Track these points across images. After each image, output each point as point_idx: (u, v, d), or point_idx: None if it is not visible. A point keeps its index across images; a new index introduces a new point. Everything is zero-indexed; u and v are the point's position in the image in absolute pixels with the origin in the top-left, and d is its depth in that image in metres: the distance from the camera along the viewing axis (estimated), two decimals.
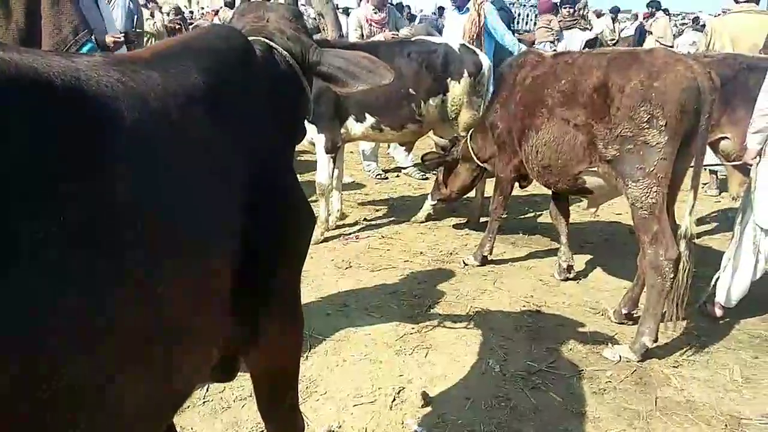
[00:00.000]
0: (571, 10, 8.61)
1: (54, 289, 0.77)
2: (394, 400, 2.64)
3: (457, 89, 4.66)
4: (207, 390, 2.61)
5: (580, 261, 4.20)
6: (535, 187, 6.03)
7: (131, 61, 1.11)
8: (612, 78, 3.00)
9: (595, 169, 3.19)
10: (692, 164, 3.00)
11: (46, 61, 0.87)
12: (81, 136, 0.86)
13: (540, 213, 5.33)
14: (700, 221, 5.03)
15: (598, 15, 13.01)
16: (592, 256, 4.35)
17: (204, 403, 2.56)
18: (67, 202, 0.80)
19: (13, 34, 2.35)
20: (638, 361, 2.94)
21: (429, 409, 2.59)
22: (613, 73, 3.01)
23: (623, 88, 2.94)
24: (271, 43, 1.57)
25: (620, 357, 2.97)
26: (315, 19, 6.10)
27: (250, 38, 1.52)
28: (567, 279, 3.92)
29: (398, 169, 6.84)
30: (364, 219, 5.12)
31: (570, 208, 4.12)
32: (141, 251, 0.92)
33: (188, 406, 2.48)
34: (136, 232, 0.91)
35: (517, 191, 5.97)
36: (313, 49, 1.68)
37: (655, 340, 2.95)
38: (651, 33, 10.92)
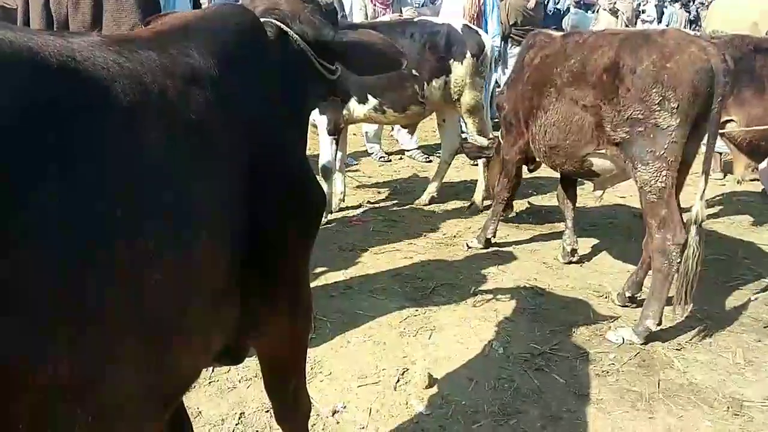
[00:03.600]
0: None
1: (47, 277, 0.77)
2: (398, 381, 2.66)
3: (460, 70, 4.62)
4: (213, 371, 2.62)
5: (584, 244, 4.20)
6: (540, 170, 6.03)
7: (130, 41, 1.09)
8: (623, 58, 2.95)
9: (603, 151, 3.17)
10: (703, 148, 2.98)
11: (41, 40, 0.86)
12: (74, 116, 0.85)
13: (543, 196, 5.32)
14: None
15: None
16: (596, 239, 4.35)
17: (210, 383, 2.58)
18: (59, 185, 0.79)
19: (78, 24, 2.38)
20: (641, 344, 2.95)
21: (433, 390, 2.61)
22: (624, 54, 2.96)
23: (634, 69, 2.89)
24: (283, 26, 1.53)
25: (623, 339, 2.98)
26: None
27: (261, 19, 1.49)
28: (571, 262, 3.92)
29: (402, 152, 6.81)
30: (368, 202, 5.12)
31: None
32: (136, 236, 0.91)
33: (194, 387, 2.49)
34: (130, 215, 0.91)
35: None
36: (328, 31, 1.62)
37: (659, 324, 2.95)
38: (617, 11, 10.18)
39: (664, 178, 2.88)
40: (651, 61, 2.85)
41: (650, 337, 2.98)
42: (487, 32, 5.85)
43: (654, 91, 2.82)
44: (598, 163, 3.29)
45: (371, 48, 1.66)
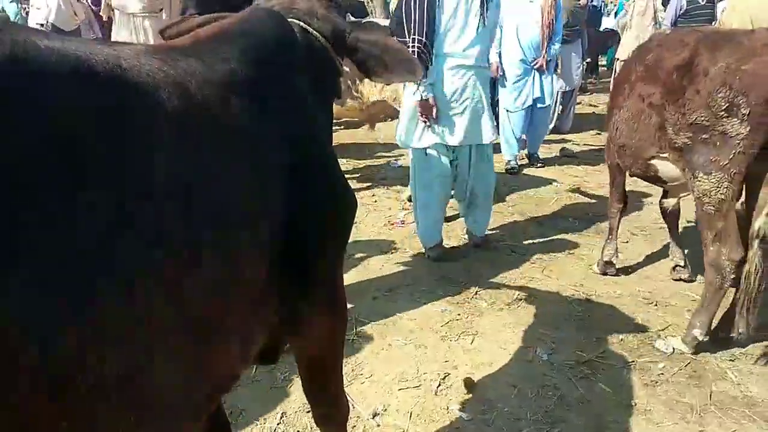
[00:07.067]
0: None
1: (92, 277, 0.79)
2: (440, 385, 2.64)
3: None
4: (255, 370, 2.66)
5: (633, 249, 4.09)
6: (587, 173, 5.91)
7: (172, 50, 1.12)
8: (698, 57, 2.72)
9: (666, 155, 2.97)
10: None
11: (89, 49, 0.89)
12: (121, 124, 0.87)
13: (590, 199, 5.20)
14: None
15: None
16: (646, 245, 4.22)
17: (252, 382, 2.62)
18: (107, 190, 0.81)
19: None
20: (692, 354, 2.85)
21: (475, 395, 2.58)
22: (701, 53, 2.73)
23: (707, 70, 2.66)
24: (304, 25, 1.53)
25: (673, 349, 2.88)
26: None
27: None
28: (605, 273, 3.75)
29: None
30: (410, 203, 5.10)
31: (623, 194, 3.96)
32: (180, 238, 0.93)
33: (237, 386, 2.54)
34: (175, 218, 0.93)
35: (568, 179, 5.88)
36: (348, 32, 1.62)
37: (707, 335, 2.83)
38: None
39: (725, 189, 2.68)
40: (726, 62, 2.61)
41: (702, 348, 2.88)
42: (555, 37, 5.78)
43: (720, 96, 2.59)
44: (662, 168, 3.08)
45: (388, 54, 1.64)
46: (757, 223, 2.66)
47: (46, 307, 0.73)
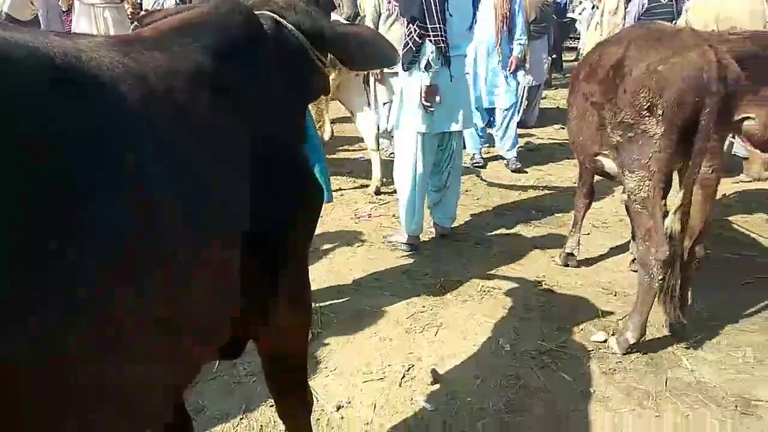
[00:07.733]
0: None
1: (65, 278, 0.77)
2: (404, 377, 2.66)
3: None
4: (218, 365, 2.64)
5: (594, 242, 4.17)
6: (551, 167, 6.00)
7: (134, 42, 1.10)
8: (628, 57, 2.80)
9: (607, 152, 3.04)
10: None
11: (47, 41, 0.86)
12: (81, 118, 0.85)
13: (553, 192, 5.28)
14: (719, 202, 4.93)
15: None
16: (606, 237, 4.31)
17: (215, 378, 2.60)
18: (68, 187, 0.79)
19: None
20: (622, 354, 2.86)
21: (438, 386, 2.61)
22: (631, 52, 2.80)
23: (632, 69, 2.74)
24: (279, 18, 1.52)
25: (607, 343, 2.94)
26: None
27: (256, 12, 1.49)
28: (567, 265, 3.83)
29: None
30: (377, 197, 5.11)
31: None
32: (144, 230, 0.91)
33: (199, 381, 2.51)
34: (141, 214, 0.91)
35: (531, 172, 5.96)
36: (326, 24, 1.62)
37: (639, 337, 2.85)
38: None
39: (647, 188, 2.74)
40: (647, 63, 2.68)
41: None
42: (515, 32, 5.80)
43: (642, 96, 2.66)
44: (607, 164, 3.12)
45: (366, 42, 1.65)
46: (666, 222, 2.72)
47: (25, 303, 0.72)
